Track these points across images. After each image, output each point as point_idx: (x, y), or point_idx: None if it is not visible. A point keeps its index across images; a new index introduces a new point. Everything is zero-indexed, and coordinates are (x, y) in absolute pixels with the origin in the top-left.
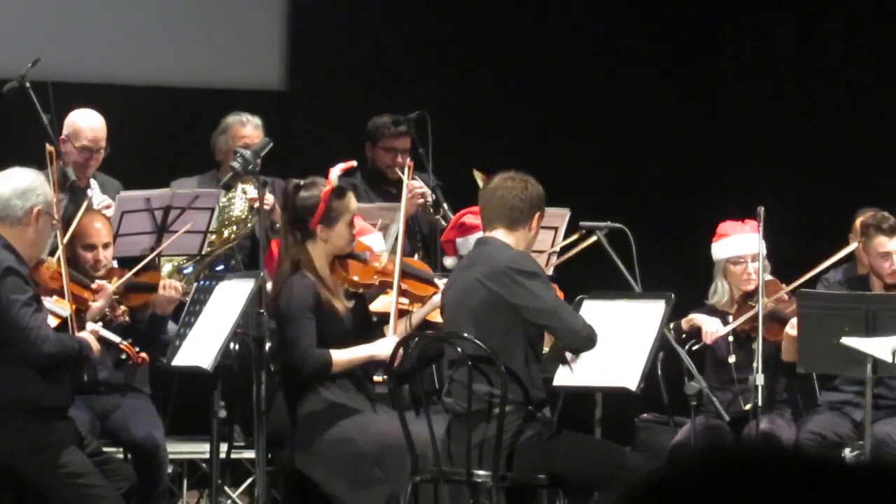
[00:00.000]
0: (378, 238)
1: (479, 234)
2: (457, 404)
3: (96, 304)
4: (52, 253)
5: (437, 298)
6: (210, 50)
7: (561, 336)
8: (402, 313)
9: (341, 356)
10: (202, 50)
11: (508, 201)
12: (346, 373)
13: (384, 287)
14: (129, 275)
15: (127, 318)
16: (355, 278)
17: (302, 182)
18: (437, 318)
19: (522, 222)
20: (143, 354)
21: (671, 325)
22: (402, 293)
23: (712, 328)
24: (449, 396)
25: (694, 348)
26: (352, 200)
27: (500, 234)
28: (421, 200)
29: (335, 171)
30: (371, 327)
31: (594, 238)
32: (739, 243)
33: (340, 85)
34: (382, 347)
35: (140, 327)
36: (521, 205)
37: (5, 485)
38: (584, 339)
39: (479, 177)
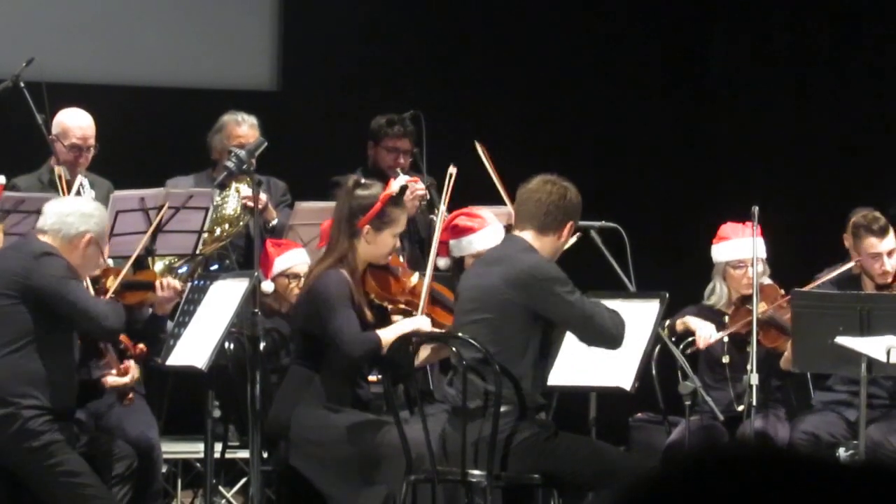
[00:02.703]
0: None
1: (473, 236)
2: (459, 397)
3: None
4: None
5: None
6: (202, 51)
7: (591, 341)
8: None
9: (387, 334)
10: (195, 51)
11: (545, 206)
12: (344, 379)
13: (409, 307)
14: (125, 270)
15: (143, 347)
16: (384, 291)
17: (363, 180)
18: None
19: (554, 229)
20: (141, 345)
21: (665, 324)
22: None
23: (706, 334)
24: (451, 387)
25: (688, 352)
26: (404, 215)
27: (529, 236)
28: (418, 203)
29: (400, 180)
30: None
31: (581, 234)
32: (740, 247)
33: (332, 85)
34: (423, 321)
35: (138, 327)
36: (556, 212)
37: (4, 485)
38: (615, 338)
39: (481, 151)
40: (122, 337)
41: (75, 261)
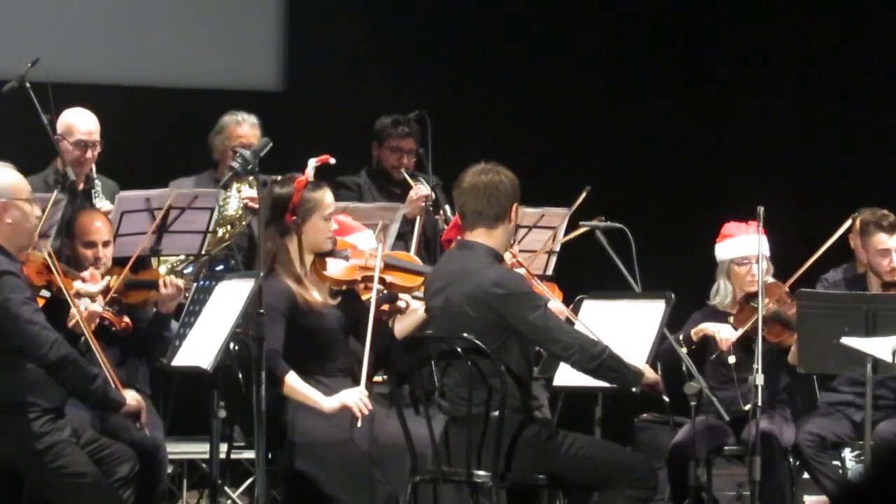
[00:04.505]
0: (367, 236)
1: None
2: (452, 408)
3: (88, 288)
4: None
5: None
6: (208, 51)
7: (557, 354)
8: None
9: (294, 383)
10: (200, 51)
11: (484, 197)
12: (344, 372)
13: (368, 282)
14: (127, 268)
15: (128, 322)
16: (336, 276)
17: (279, 178)
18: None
19: (502, 217)
20: (127, 320)
21: (681, 338)
22: (388, 286)
23: (726, 335)
24: (443, 398)
25: (711, 358)
26: (327, 195)
27: (482, 236)
28: (423, 204)
29: (311, 165)
30: (361, 326)
31: (586, 228)
32: (744, 245)
33: (337, 85)
34: (328, 401)
35: (143, 325)
36: (497, 199)
37: (6, 485)
38: (580, 357)
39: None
40: (108, 314)
41: (6, 231)
